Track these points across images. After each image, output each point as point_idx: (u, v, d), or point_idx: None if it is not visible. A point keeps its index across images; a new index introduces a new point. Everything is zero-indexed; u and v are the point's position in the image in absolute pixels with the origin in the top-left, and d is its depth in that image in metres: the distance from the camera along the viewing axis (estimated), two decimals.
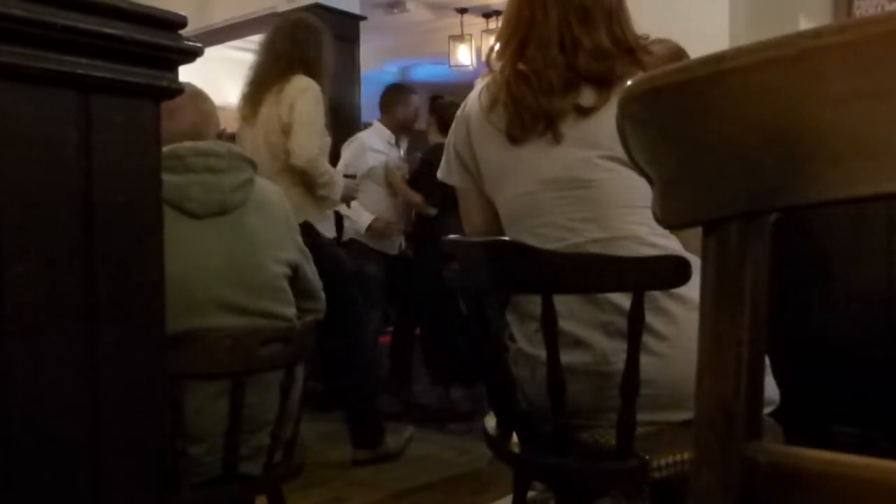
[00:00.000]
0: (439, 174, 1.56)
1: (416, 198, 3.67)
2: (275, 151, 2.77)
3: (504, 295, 1.46)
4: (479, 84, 1.50)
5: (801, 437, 0.65)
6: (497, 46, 1.45)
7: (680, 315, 1.26)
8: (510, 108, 1.37)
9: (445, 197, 3.62)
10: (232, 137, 3.07)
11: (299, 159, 2.72)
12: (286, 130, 2.74)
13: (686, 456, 1.17)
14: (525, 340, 1.36)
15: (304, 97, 2.74)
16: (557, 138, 1.34)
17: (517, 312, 1.40)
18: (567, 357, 1.22)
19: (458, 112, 1.51)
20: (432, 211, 3.64)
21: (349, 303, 2.81)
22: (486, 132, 1.42)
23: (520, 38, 1.39)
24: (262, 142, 2.78)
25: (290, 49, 2.81)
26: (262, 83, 2.82)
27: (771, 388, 1.29)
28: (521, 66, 1.38)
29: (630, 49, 1.37)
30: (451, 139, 1.50)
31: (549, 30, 1.36)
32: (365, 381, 2.89)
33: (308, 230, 2.73)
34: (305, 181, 2.78)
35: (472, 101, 1.47)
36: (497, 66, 1.44)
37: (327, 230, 2.93)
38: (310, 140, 2.73)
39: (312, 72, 2.81)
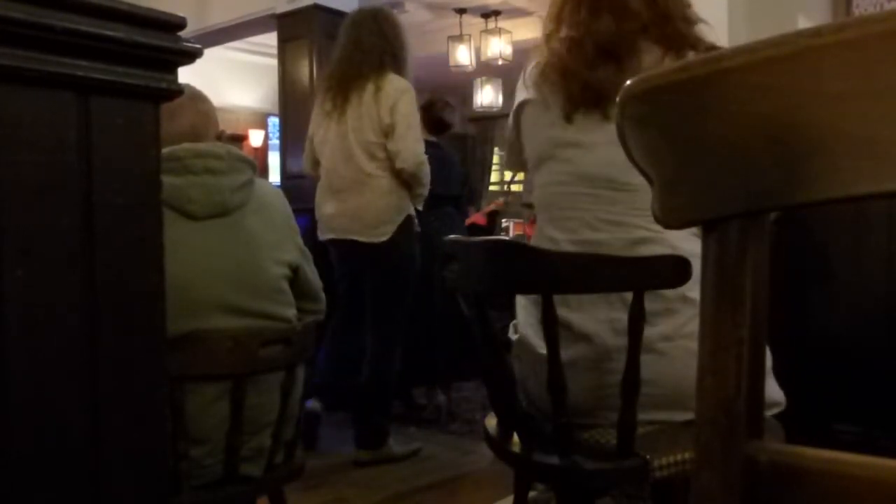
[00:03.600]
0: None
1: None
2: (372, 150, 2.76)
3: (508, 295, 1.46)
4: (530, 61, 1.46)
5: (803, 436, 0.65)
6: (550, 17, 1.42)
7: (683, 314, 1.26)
8: (559, 82, 1.34)
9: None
10: (231, 139, 3.07)
11: (408, 163, 2.74)
12: (387, 132, 2.73)
13: (687, 455, 1.17)
14: (537, 338, 1.35)
15: (404, 99, 2.74)
16: (608, 116, 1.29)
17: (526, 312, 1.39)
18: (572, 351, 1.23)
19: (518, 83, 1.49)
20: None
21: (402, 303, 2.91)
22: (533, 113, 1.41)
23: (558, 6, 1.37)
24: (354, 140, 2.77)
25: (381, 44, 2.79)
26: (350, 78, 2.80)
27: (775, 390, 1.29)
28: (560, 35, 1.35)
29: (666, 15, 1.32)
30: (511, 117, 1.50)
31: None
32: (389, 381, 2.91)
33: (411, 223, 2.85)
34: (403, 178, 2.80)
35: (523, 80, 1.44)
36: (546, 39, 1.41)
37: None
38: (417, 144, 2.77)
39: (400, 67, 2.81)
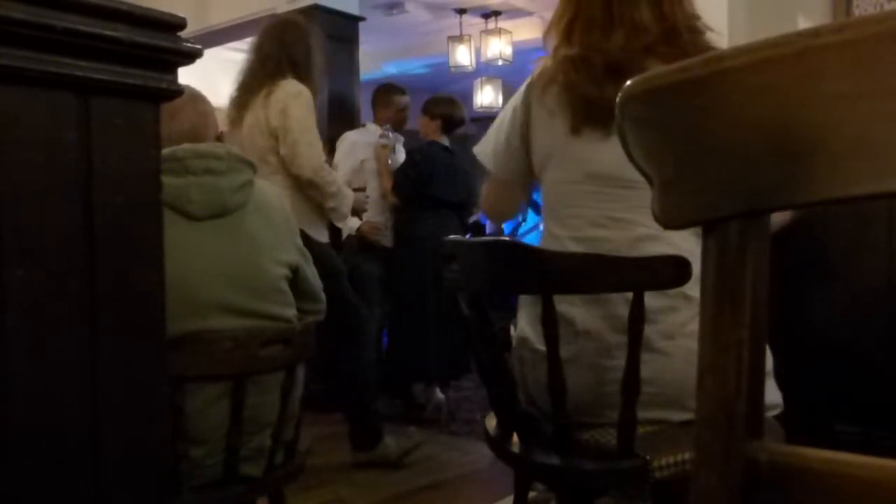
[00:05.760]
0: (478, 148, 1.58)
1: (387, 183, 3.68)
2: (261, 154, 2.68)
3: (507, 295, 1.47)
4: (539, 63, 1.46)
5: (803, 437, 0.65)
6: (552, 27, 1.42)
7: (684, 312, 1.26)
8: (564, 96, 1.35)
9: (421, 198, 3.63)
10: None
11: (304, 169, 2.65)
12: (274, 134, 2.67)
13: (687, 456, 1.17)
14: (538, 337, 1.35)
15: (296, 102, 2.66)
16: (610, 134, 1.30)
17: (529, 310, 1.39)
18: (574, 347, 1.23)
19: (523, 86, 1.48)
20: (393, 199, 3.68)
21: (344, 303, 2.80)
22: (540, 117, 1.41)
23: (568, 19, 1.37)
24: (247, 145, 2.71)
25: (279, 51, 2.75)
26: (250, 86, 2.77)
27: (774, 392, 1.29)
28: (569, 52, 1.35)
29: (674, 28, 1.31)
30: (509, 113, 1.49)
31: (593, 9, 1.33)
32: (362, 382, 2.87)
33: (319, 232, 2.74)
34: (296, 185, 2.70)
35: (530, 83, 1.44)
36: (550, 47, 1.41)
37: (320, 236, 2.85)
38: (312, 148, 2.66)
39: (301, 73, 2.75)
